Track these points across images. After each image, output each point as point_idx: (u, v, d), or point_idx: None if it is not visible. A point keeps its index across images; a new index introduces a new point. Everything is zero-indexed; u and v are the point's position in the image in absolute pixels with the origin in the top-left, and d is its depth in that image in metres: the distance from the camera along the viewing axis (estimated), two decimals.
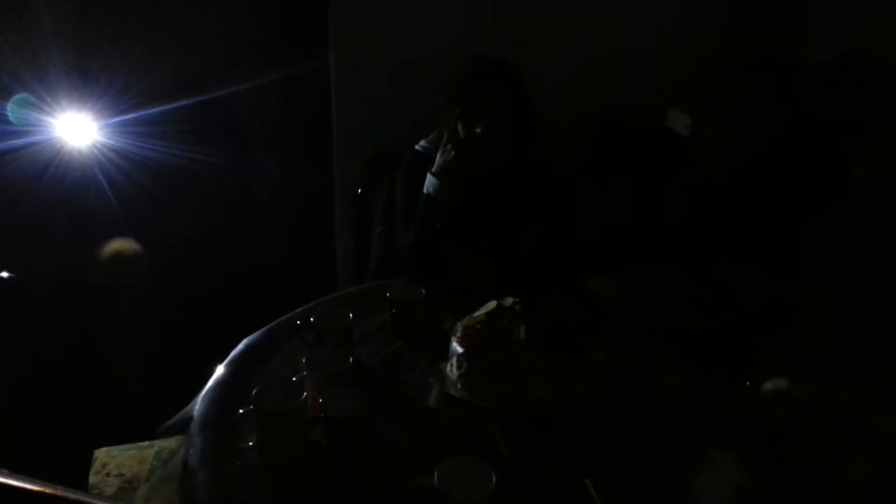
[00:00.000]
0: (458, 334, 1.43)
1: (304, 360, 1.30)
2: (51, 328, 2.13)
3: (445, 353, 1.43)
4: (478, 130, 1.77)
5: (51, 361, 2.12)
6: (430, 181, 1.79)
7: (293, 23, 2.50)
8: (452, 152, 1.78)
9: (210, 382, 1.38)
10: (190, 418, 1.31)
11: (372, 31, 2.28)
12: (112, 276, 2.12)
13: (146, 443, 1.44)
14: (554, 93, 2.14)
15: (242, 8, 2.47)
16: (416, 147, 1.94)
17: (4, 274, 2.03)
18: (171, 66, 2.39)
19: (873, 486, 1.16)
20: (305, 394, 1.22)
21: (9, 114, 2.12)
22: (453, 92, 1.82)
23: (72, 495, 0.59)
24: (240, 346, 1.51)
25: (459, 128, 1.80)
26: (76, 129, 2.23)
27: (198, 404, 1.33)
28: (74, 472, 1.40)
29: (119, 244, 2.15)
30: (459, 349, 1.39)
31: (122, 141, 2.25)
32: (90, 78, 2.26)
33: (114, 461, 1.40)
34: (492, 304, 1.47)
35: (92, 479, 1.39)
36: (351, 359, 1.32)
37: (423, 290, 1.56)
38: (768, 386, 1.35)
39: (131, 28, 2.34)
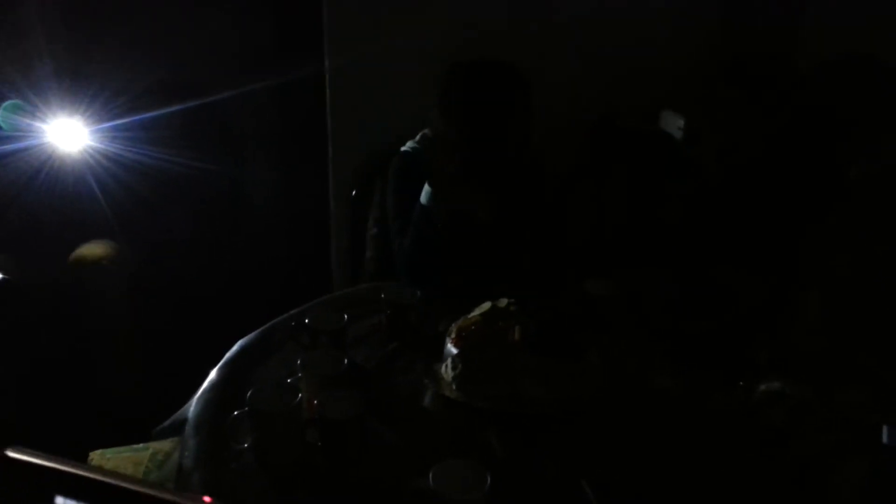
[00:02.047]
0: (453, 335, 1.43)
1: (298, 362, 1.30)
2: (44, 331, 2.12)
3: (440, 354, 1.43)
4: (470, 134, 1.76)
5: (44, 363, 2.11)
6: (426, 192, 1.78)
7: (287, 25, 2.50)
8: (448, 166, 1.76)
9: (205, 384, 1.38)
10: (185, 420, 1.30)
11: (367, 33, 2.28)
12: (81, 279, 2.11)
13: (141, 445, 1.43)
14: (550, 94, 2.14)
15: (236, 11, 2.47)
16: (404, 148, 1.93)
17: None
18: (165, 69, 2.39)
19: (871, 485, 1.17)
20: (300, 395, 1.22)
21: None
22: (445, 95, 1.80)
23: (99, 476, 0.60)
24: (234, 348, 1.51)
25: (451, 132, 1.78)
26: (68, 134, 2.22)
27: (192, 406, 1.33)
28: None
29: (83, 249, 2.13)
30: (454, 350, 1.39)
31: (114, 145, 2.24)
32: (82, 82, 2.25)
33: (108, 463, 1.40)
34: (486, 305, 1.47)
35: None
36: (346, 360, 1.32)
37: (418, 292, 1.56)
38: (765, 386, 1.35)
39: (124, 31, 2.34)
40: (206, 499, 0.55)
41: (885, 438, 1.19)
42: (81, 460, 1.42)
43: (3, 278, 1.98)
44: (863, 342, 1.52)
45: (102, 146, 2.24)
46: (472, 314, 1.46)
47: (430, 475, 1.04)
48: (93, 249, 2.13)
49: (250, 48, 2.51)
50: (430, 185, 1.75)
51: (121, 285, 2.14)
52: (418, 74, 2.17)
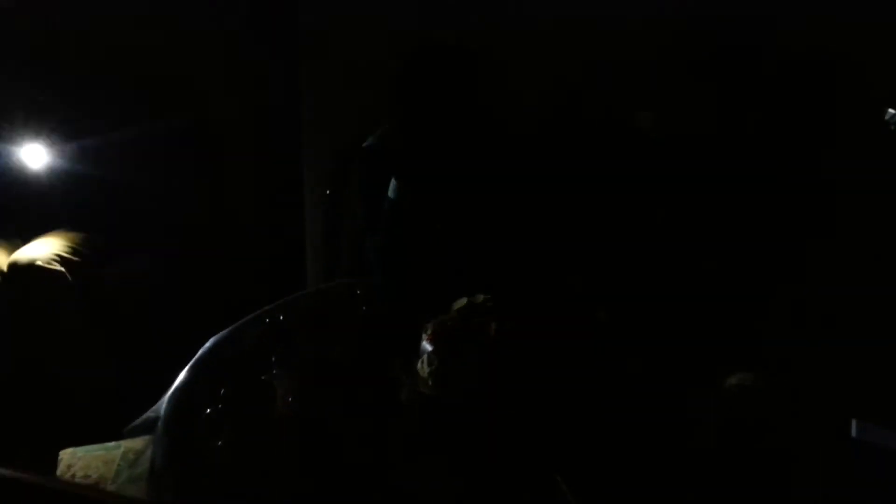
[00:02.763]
0: (429, 332, 1.42)
1: (272, 359, 1.29)
2: (12, 328, 2.09)
3: (417, 350, 1.43)
4: (420, 122, 1.77)
5: (13, 361, 2.08)
6: (392, 185, 1.77)
7: (262, 21, 2.48)
8: (406, 155, 1.77)
9: (177, 382, 1.37)
10: (157, 418, 1.29)
11: (342, 31, 2.27)
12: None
13: (112, 444, 1.42)
14: (522, 90, 2.14)
15: (211, 9, 2.45)
16: (366, 143, 1.92)
17: None
18: (135, 68, 2.36)
19: (840, 478, 1.19)
20: (274, 392, 1.21)
21: None
22: (398, 81, 1.81)
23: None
24: (207, 345, 1.49)
25: (405, 120, 1.79)
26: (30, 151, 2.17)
27: (165, 404, 1.31)
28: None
29: (17, 253, 2.09)
30: (429, 347, 1.39)
31: (83, 147, 2.21)
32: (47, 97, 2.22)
33: (79, 462, 1.38)
34: (462, 301, 1.47)
35: None
36: (321, 357, 1.31)
37: (393, 287, 1.55)
38: (736, 380, 1.36)
39: (91, 31, 2.31)
40: None
41: (853, 432, 1.21)
42: (52, 459, 1.41)
43: None
44: (833, 336, 1.54)
45: (70, 149, 2.20)
46: (449, 310, 1.46)
47: (406, 471, 1.04)
48: (27, 253, 2.09)
49: (225, 45, 2.50)
50: (395, 177, 1.75)
51: (69, 285, 2.09)
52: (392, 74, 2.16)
